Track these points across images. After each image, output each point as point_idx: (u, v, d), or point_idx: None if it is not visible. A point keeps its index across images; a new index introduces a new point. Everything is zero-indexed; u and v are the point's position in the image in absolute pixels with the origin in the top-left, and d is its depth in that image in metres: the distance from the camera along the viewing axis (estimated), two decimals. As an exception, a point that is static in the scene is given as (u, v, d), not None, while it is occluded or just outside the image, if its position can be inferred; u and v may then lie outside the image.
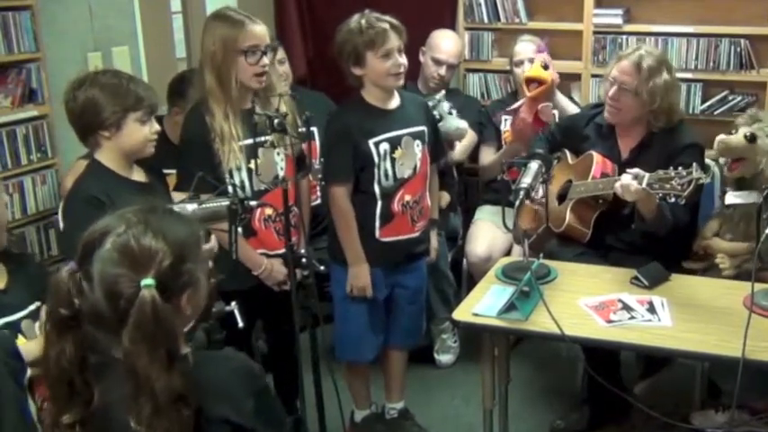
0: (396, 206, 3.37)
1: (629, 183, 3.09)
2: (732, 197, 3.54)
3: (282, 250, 3.22)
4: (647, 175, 3.04)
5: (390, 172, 3.34)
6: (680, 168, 2.95)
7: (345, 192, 3.33)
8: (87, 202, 2.85)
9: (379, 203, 3.36)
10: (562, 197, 3.67)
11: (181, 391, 1.62)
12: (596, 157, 3.57)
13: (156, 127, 3.00)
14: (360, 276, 3.39)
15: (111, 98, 2.87)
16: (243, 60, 3.12)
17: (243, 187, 3.21)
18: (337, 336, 3.60)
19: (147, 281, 1.63)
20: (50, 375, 1.70)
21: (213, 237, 2.68)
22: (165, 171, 3.46)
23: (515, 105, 4.38)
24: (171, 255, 1.68)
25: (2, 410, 2.24)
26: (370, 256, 3.39)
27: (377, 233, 3.39)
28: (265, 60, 3.16)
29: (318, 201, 4.18)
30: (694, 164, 2.94)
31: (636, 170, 3.10)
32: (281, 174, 3.28)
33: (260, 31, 3.17)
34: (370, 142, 3.29)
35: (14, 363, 2.37)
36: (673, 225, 3.34)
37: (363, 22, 3.22)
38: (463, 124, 4.34)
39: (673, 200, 2.96)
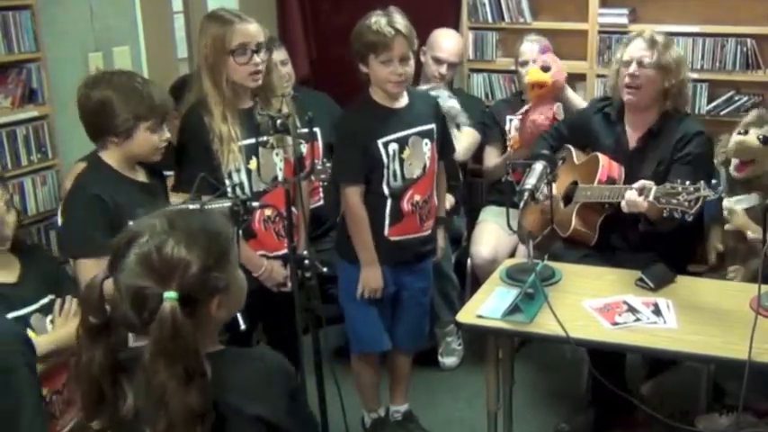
0: (405, 206, 3.35)
1: (636, 200, 3.08)
2: (730, 203, 3.51)
3: (282, 251, 3.20)
4: (654, 188, 3.02)
5: (399, 172, 3.31)
6: (687, 183, 2.92)
7: (358, 192, 3.30)
8: (89, 200, 2.85)
9: (389, 203, 3.34)
10: (567, 198, 3.64)
11: (198, 410, 1.61)
12: (602, 159, 3.54)
13: (167, 135, 3.02)
14: (372, 278, 3.38)
15: (123, 104, 2.85)
16: (232, 60, 3.11)
17: (242, 188, 3.19)
18: (352, 330, 3.57)
19: (170, 294, 1.63)
20: (81, 381, 1.70)
21: None
22: (166, 173, 3.45)
23: (522, 111, 4.37)
24: (197, 263, 1.67)
25: (21, 401, 2.25)
26: (378, 255, 3.37)
27: (385, 231, 3.36)
28: (256, 59, 3.13)
29: (321, 202, 4.15)
30: (702, 182, 2.91)
31: (641, 182, 3.09)
32: (281, 175, 3.26)
33: (250, 29, 3.14)
34: (379, 143, 3.27)
35: (32, 356, 2.38)
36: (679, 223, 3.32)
37: (374, 22, 3.18)
38: (455, 104, 4.36)
39: (679, 216, 2.93)
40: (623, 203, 3.15)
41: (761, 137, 3.38)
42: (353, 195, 3.30)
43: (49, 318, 2.75)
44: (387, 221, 3.35)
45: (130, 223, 1.78)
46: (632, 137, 3.61)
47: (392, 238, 3.38)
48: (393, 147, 3.29)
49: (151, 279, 1.64)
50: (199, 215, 1.86)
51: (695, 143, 3.45)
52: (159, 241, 1.67)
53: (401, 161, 3.31)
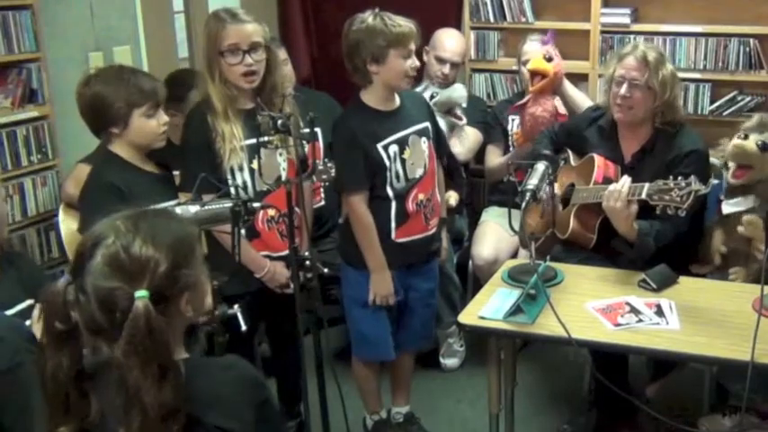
0: (410, 206, 3.33)
1: (615, 189, 3.14)
2: (728, 206, 3.49)
3: (285, 252, 3.19)
4: (646, 185, 3.02)
5: (402, 173, 3.30)
6: (680, 179, 2.92)
7: (363, 199, 3.28)
8: (108, 190, 2.93)
9: (393, 204, 3.32)
10: (565, 201, 3.62)
11: (172, 406, 1.60)
12: (597, 160, 3.52)
13: (165, 118, 3.10)
14: (383, 284, 3.35)
15: (114, 95, 2.97)
16: (224, 61, 3.10)
17: (245, 188, 3.18)
18: (358, 336, 3.54)
19: (141, 293, 1.61)
20: (47, 388, 1.68)
21: None
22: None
23: (521, 102, 4.36)
24: (165, 260, 1.65)
25: (28, 396, 2.24)
26: (386, 259, 3.35)
27: (392, 234, 3.34)
28: (248, 60, 3.11)
29: (322, 202, 4.14)
30: (693, 176, 2.92)
31: (633, 183, 3.11)
32: (283, 175, 3.24)
33: (243, 29, 3.12)
34: (379, 146, 3.25)
35: (36, 350, 2.37)
36: (669, 241, 3.33)
37: (387, 20, 3.16)
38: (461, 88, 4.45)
39: (673, 212, 2.93)
40: (604, 201, 3.18)
41: (760, 143, 3.35)
42: (360, 204, 3.28)
43: (27, 323, 2.74)
44: (393, 224, 3.33)
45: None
46: (627, 151, 3.58)
47: (399, 240, 3.36)
48: (393, 148, 3.27)
49: (121, 279, 1.62)
50: (161, 215, 1.84)
51: (690, 162, 3.39)
52: (126, 241, 1.64)
53: (403, 162, 3.29)
